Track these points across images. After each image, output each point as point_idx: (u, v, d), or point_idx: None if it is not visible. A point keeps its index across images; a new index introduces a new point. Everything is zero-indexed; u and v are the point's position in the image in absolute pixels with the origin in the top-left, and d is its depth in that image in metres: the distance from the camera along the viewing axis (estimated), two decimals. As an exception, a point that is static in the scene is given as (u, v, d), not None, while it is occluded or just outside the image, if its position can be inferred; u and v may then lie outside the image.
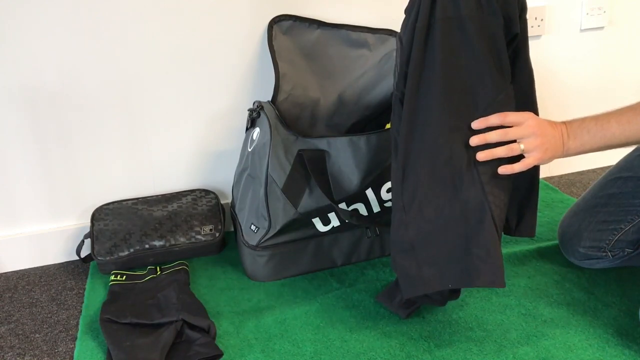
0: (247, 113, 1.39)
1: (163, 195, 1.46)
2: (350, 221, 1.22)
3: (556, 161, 1.09)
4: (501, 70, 0.98)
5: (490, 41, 0.96)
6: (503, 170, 0.98)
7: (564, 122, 1.03)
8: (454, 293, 1.12)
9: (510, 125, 0.98)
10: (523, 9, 1.01)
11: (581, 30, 1.66)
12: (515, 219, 1.14)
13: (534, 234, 1.15)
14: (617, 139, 1.00)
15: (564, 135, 1.01)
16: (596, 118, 1.02)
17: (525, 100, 1.05)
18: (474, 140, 0.97)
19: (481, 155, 0.97)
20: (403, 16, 1.02)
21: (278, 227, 1.25)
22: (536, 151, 0.99)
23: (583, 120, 1.02)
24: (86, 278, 1.38)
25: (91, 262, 1.43)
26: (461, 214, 0.98)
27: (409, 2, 1.00)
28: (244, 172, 1.35)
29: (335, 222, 1.30)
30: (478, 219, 0.98)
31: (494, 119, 0.97)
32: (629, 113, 1.01)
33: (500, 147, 0.98)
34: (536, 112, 1.06)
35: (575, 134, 1.01)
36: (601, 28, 1.68)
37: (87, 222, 1.45)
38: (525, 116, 0.99)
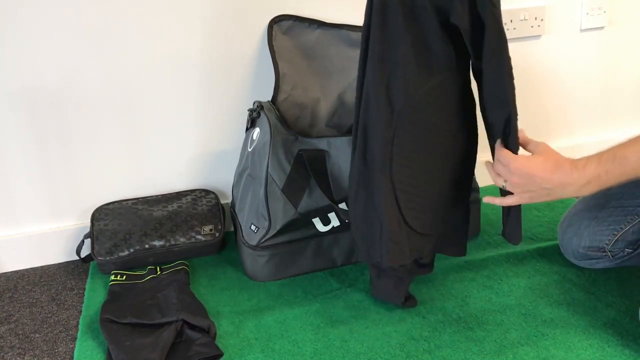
0: (247, 113, 1.39)
1: (163, 195, 1.46)
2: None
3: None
4: (429, 61, 0.98)
5: (417, 31, 0.96)
6: (487, 200, 1.07)
7: (575, 166, 0.96)
8: (422, 267, 1.18)
9: (500, 161, 1.00)
10: (488, 3, 0.93)
11: (581, 30, 1.66)
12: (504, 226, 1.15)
13: (517, 242, 1.12)
14: (636, 171, 0.94)
15: (571, 186, 0.96)
16: (613, 155, 0.94)
17: (500, 103, 0.99)
18: None
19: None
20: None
21: (278, 227, 1.25)
22: (516, 195, 1.01)
23: (599, 161, 0.95)
24: (86, 278, 1.38)
25: (91, 262, 1.43)
26: (374, 205, 1.07)
27: None
28: (244, 172, 1.35)
29: (335, 222, 1.30)
30: (382, 208, 1.05)
31: (497, 147, 1.02)
32: None
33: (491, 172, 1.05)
34: (510, 115, 0.99)
35: (591, 180, 0.95)
36: (601, 28, 1.67)
37: (87, 222, 1.45)
38: (507, 163, 0.98)
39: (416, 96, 1.00)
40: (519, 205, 1.07)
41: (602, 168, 0.94)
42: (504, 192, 1.06)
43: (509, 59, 0.96)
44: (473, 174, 1.16)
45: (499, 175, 1.03)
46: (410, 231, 1.10)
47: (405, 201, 1.07)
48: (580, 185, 0.96)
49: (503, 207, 1.10)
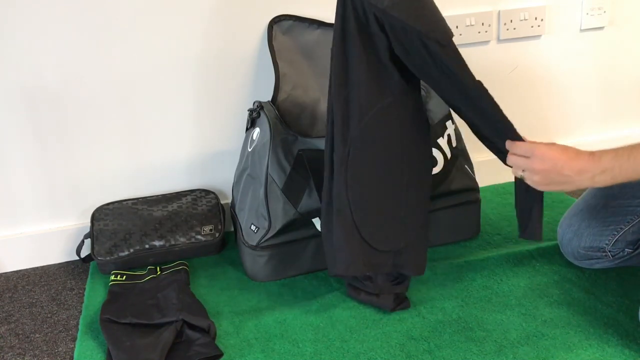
0: (247, 113, 1.39)
1: (163, 195, 1.46)
2: (350, 221, 1.22)
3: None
4: (379, 81, 1.07)
5: (372, 58, 1.05)
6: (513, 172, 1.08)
7: (592, 156, 1.00)
8: (398, 285, 1.18)
9: (519, 154, 1.05)
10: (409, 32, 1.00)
11: (581, 30, 1.66)
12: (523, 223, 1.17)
13: (539, 238, 1.16)
14: None
15: (587, 173, 1.00)
16: (629, 153, 0.98)
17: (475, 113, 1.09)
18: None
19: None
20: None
21: (278, 227, 1.25)
22: (535, 185, 1.05)
23: (615, 155, 0.99)
24: (86, 278, 1.39)
25: (91, 262, 1.43)
26: (331, 209, 1.12)
27: None
28: (244, 172, 1.35)
29: (335, 222, 1.30)
30: (337, 218, 1.11)
31: (508, 145, 1.07)
32: None
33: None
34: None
35: (605, 170, 1.00)
36: (601, 28, 1.68)
37: (87, 222, 1.45)
38: (531, 151, 1.03)
39: (368, 116, 1.08)
40: (542, 204, 1.12)
41: (617, 162, 0.98)
42: (520, 185, 1.10)
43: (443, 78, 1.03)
44: (429, 192, 1.20)
45: (517, 165, 1.07)
46: (366, 245, 1.13)
47: (359, 215, 1.11)
48: (595, 173, 1.00)
49: (520, 207, 1.15)
